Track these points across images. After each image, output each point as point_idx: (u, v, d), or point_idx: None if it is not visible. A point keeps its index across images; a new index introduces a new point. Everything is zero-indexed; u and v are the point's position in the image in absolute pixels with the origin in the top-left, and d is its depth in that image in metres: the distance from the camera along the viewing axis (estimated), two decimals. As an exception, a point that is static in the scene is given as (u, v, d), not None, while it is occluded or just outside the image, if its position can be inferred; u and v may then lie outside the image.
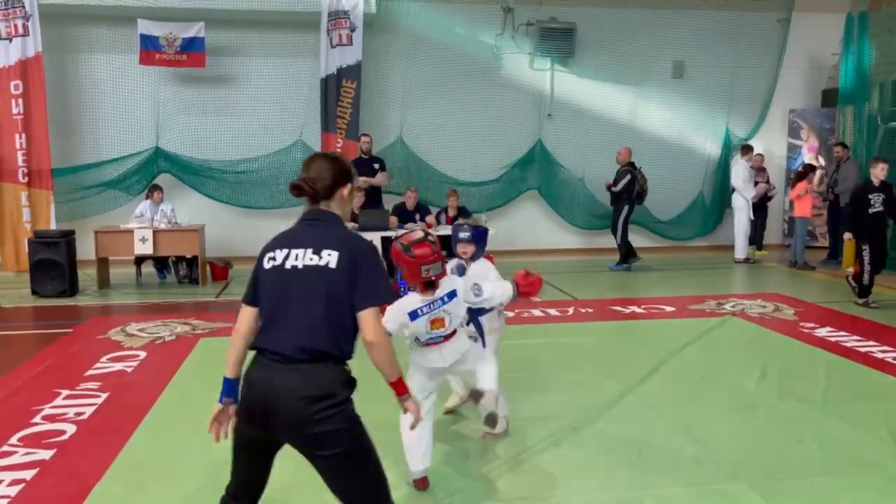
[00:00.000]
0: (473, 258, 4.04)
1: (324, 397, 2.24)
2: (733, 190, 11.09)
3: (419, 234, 3.30)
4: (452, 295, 3.34)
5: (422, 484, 3.48)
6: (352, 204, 2.53)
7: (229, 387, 2.43)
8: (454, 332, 3.44)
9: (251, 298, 2.42)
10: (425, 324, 3.32)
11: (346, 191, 2.47)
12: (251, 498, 2.49)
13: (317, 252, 2.31)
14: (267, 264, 2.38)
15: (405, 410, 2.52)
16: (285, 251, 2.36)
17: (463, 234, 4.04)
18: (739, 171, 10.94)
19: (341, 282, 2.28)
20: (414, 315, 3.29)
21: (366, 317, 2.29)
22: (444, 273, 3.32)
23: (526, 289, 3.78)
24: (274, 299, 2.34)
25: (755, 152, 11.35)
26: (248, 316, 2.42)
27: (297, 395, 2.23)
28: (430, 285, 3.28)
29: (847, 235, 8.08)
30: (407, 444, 3.44)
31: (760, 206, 11.40)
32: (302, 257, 2.32)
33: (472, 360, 3.58)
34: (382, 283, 2.36)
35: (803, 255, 10.41)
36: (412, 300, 3.30)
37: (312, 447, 2.26)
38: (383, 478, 2.39)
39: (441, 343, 3.44)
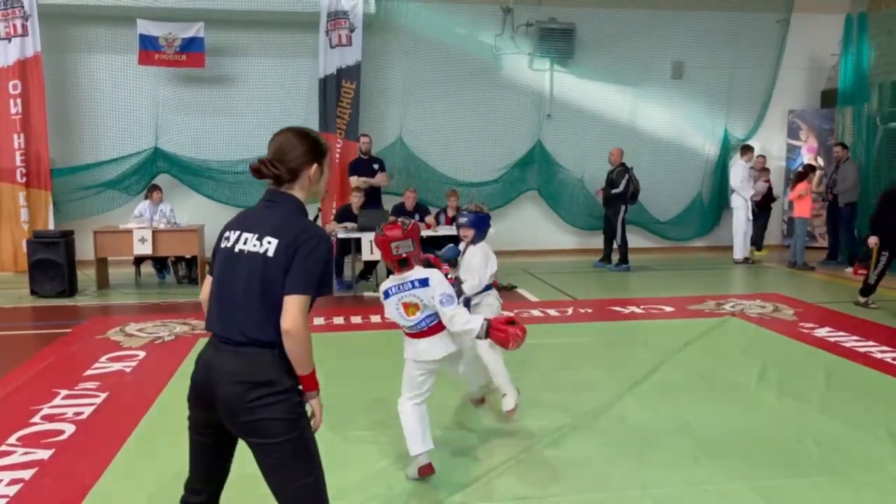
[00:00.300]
0: (474, 241, 4.32)
1: (263, 384, 2.18)
2: (732, 191, 11.10)
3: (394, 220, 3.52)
4: (424, 283, 3.39)
5: (427, 470, 3.50)
6: (322, 184, 2.42)
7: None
8: (442, 327, 3.46)
9: (210, 270, 2.42)
10: (396, 305, 3.43)
11: (311, 171, 2.35)
12: (210, 492, 2.42)
13: (259, 239, 2.25)
14: (222, 243, 2.36)
15: (310, 409, 2.34)
16: (237, 233, 2.32)
17: (462, 220, 4.36)
18: (738, 172, 10.96)
19: (278, 269, 2.20)
20: (386, 294, 3.46)
21: (288, 303, 2.19)
22: (416, 252, 3.42)
23: (499, 336, 3.39)
24: (220, 281, 2.31)
25: (756, 154, 11.36)
26: (207, 286, 2.42)
27: (235, 379, 2.18)
28: (404, 264, 3.41)
29: (872, 240, 7.60)
30: (408, 429, 3.52)
31: (764, 207, 11.40)
32: (248, 242, 2.27)
33: (466, 365, 3.61)
34: (314, 273, 2.22)
35: (803, 256, 10.41)
36: (388, 280, 3.47)
37: (248, 435, 2.21)
38: (320, 480, 2.29)
39: (426, 334, 3.47)
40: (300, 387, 2.27)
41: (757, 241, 11.63)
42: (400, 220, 3.49)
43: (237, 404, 2.18)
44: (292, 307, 2.18)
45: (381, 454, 3.87)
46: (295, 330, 2.18)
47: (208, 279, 2.42)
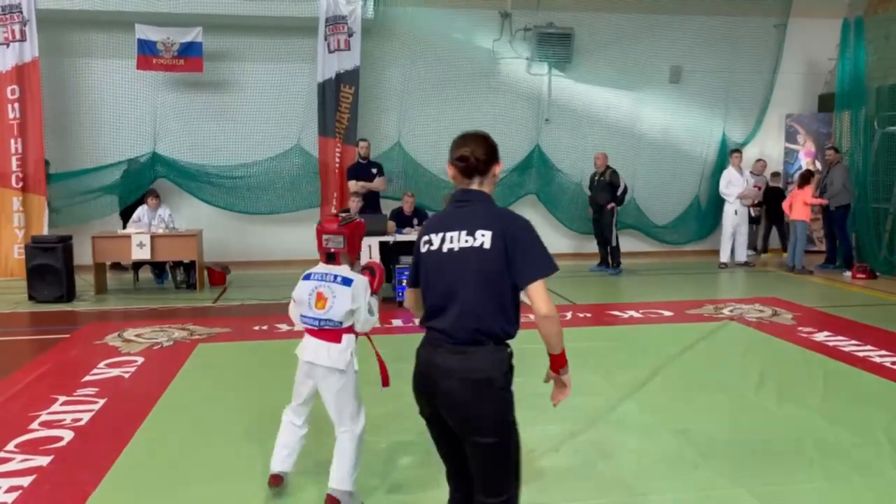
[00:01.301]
0: None
1: (483, 382, 2.27)
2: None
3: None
4: (346, 282, 3.25)
5: (273, 482, 3.44)
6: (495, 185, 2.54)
7: None
8: (338, 338, 3.27)
9: (412, 280, 2.50)
10: (311, 291, 3.28)
11: (497, 169, 2.48)
12: (460, 476, 2.47)
13: (471, 233, 2.32)
14: (423, 248, 2.42)
15: (557, 384, 2.62)
16: (440, 234, 2.37)
17: None
18: (724, 175, 11.06)
19: (497, 260, 2.28)
20: (307, 276, 3.36)
21: (535, 290, 2.30)
22: (347, 250, 3.32)
23: (377, 288, 3.41)
24: (434, 283, 2.37)
25: (756, 158, 11.37)
26: (412, 296, 2.53)
27: (457, 376, 2.27)
28: (330, 258, 3.34)
29: None
30: (277, 443, 3.48)
31: (774, 211, 11.46)
32: (457, 239, 2.33)
33: (335, 401, 3.30)
34: (541, 254, 2.33)
35: (802, 260, 10.43)
36: (317, 266, 3.38)
37: (468, 431, 2.30)
38: (519, 471, 2.42)
39: (319, 336, 3.28)
40: (512, 387, 2.37)
41: (755, 245, 11.66)
42: (344, 215, 3.43)
43: (459, 401, 2.28)
44: (540, 292, 2.30)
45: (390, 453, 3.87)
46: (551, 312, 2.31)
47: (408, 291, 2.55)
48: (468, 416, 2.29)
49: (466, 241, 2.31)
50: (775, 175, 12.12)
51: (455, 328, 2.29)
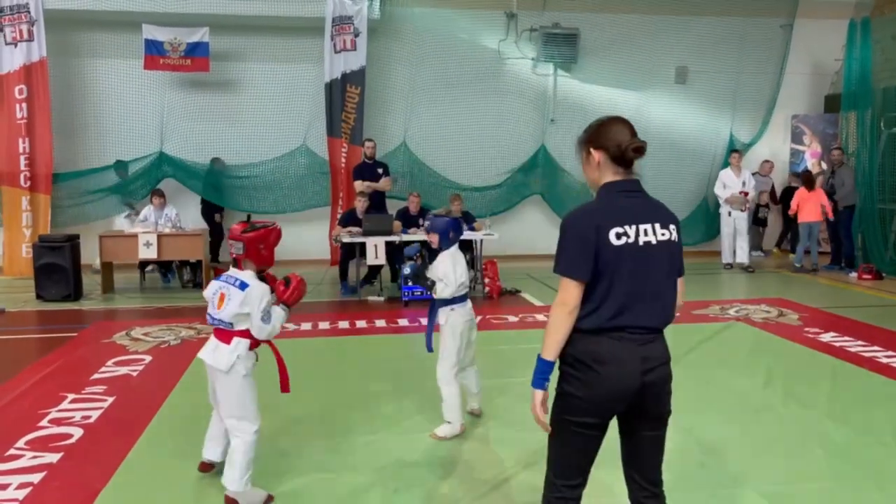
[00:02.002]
0: (441, 247, 4.23)
1: (669, 360, 2.37)
2: None
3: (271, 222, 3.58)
4: (243, 286, 3.31)
5: (202, 468, 3.68)
6: None
7: (550, 370, 2.34)
8: (228, 339, 3.35)
9: (584, 274, 2.23)
10: (214, 290, 3.40)
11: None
12: (585, 481, 2.50)
13: (664, 226, 2.33)
14: (617, 241, 2.22)
15: None
16: (633, 227, 2.26)
17: (426, 224, 4.49)
18: (720, 177, 11.09)
19: (680, 252, 2.39)
20: (217, 277, 3.46)
21: (682, 284, 2.42)
22: (244, 256, 3.37)
23: (288, 298, 3.49)
24: (634, 276, 2.24)
25: (764, 160, 11.29)
26: (579, 292, 2.25)
27: (664, 359, 2.34)
28: (236, 263, 3.44)
29: None
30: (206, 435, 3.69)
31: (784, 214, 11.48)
32: (652, 232, 2.29)
33: (222, 402, 3.43)
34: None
35: (817, 260, 10.45)
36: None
37: (664, 409, 2.38)
38: None
39: (216, 334, 3.42)
40: None
41: (760, 246, 11.67)
42: (252, 222, 3.48)
43: (666, 386, 2.35)
44: (683, 285, 2.43)
45: (388, 451, 3.88)
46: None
47: (577, 286, 2.23)
48: (668, 399, 2.39)
49: (663, 235, 2.31)
50: (794, 175, 11.98)
51: (660, 320, 2.32)
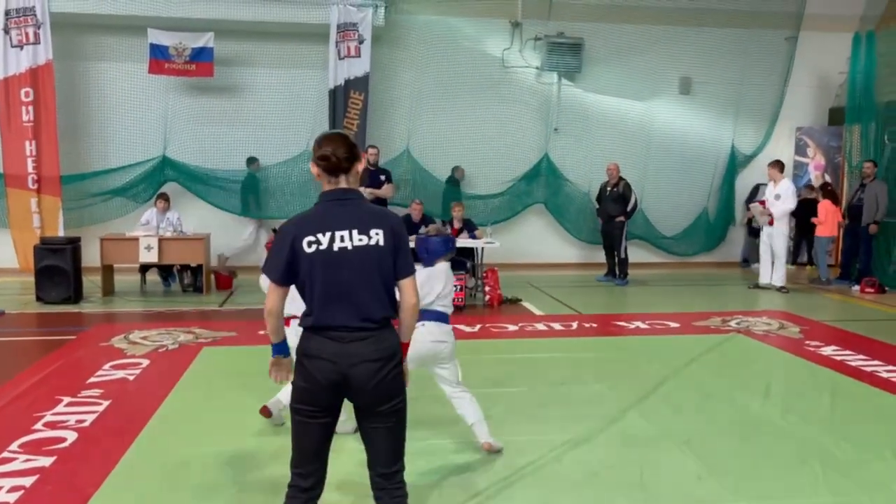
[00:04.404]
0: (425, 263, 4.05)
1: (391, 357, 2.54)
2: None
3: None
4: None
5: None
6: (359, 182, 2.71)
7: (285, 346, 2.70)
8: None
9: (284, 279, 2.53)
10: None
11: (360, 167, 2.64)
12: (319, 476, 2.61)
13: (363, 232, 2.51)
14: (309, 248, 2.48)
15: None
16: (328, 234, 2.49)
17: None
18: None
19: (389, 255, 2.54)
20: None
21: (408, 284, 2.61)
22: None
23: None
24: (327, 281, 2.49)
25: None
26: (281, 295, 2.58)
27: (371, 358, 2.48)
28: None
29: None
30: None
31: (806, 223, 10.81)
32: (349, 238, 2.49)
33: None
34: (410, 254, 2.65)
35: (827, 273, 10.39)
36: None
37: (383, 402, 2.52)
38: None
39: None
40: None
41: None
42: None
43: (377, 379, 2.51)
44: (413, 286, 2.62)
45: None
46: (417, 304, 2.65)
47: (277, 290, 2.56)
48: (382, 395, 2.58)
49: (361, 240, 2.51)
50: (809, 188, 11.69)
51: (359, 318, 2.53)
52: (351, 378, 2.48)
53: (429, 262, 4.05)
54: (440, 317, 3.94)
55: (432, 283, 3.95)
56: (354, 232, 2.50)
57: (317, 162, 2.56)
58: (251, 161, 10.83)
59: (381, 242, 2.52)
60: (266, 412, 4.34)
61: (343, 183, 2.58)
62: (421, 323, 3.99)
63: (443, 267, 4.05)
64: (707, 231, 12.32)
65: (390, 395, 2.54)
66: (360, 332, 2.49)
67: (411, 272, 2.62)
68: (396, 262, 2.56)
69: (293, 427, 2.58)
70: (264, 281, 3.57)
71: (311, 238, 2.48)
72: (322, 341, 2.50)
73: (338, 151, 2.54)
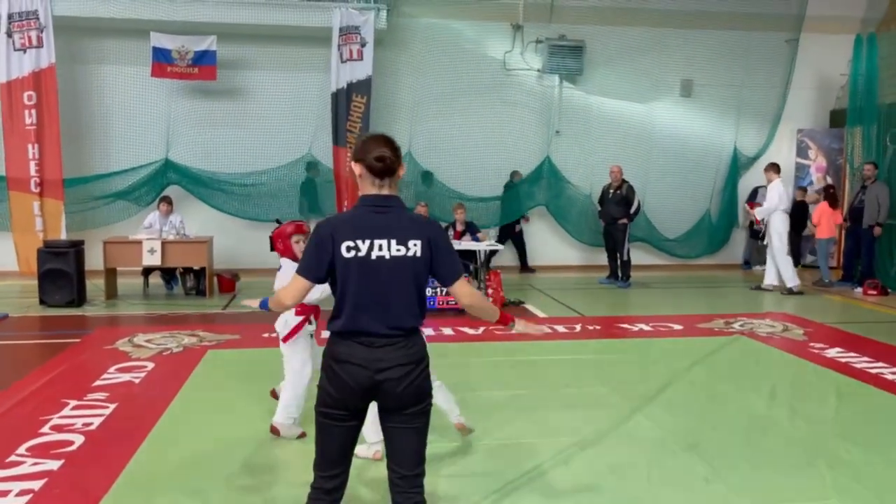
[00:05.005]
0: None
1: (419, 361, 2.55)
2: None
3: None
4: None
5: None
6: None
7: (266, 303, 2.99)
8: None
9: (322, 280, 2.55)
10: None
11: (402, 172, 2.61)
12: (344, 481, 2.62)
13: (402, 243, 2.50)
14: (347, 254, 2.48)
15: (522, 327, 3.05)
16: (367, 242, 2.48)
17: None
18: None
19: (425, 266, 2.54)
20: None
21: (458, 287, 2.63)
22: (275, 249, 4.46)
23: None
24: (361, 288, 2.49)
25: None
26: (305, 292, 2.58)
27: (401, 362, 2.50)
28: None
29: None
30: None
31: (800, 226, 11.12)
32: (387, 248, 2.49)
33: None
34: (458, 256, 2.68)
35: (828, 275, 10.40)
36: None
37: (411, 404, 2.53)
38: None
39: None
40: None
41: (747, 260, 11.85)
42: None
43: (401, 386, 2.52)
44: (465, 287, 2.66)
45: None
46: (473, 302, 2.71)
47: (303, 282, 2.54)
48: (411, 397, 2.59)
49: (399, 251, 2.50)
50: (801, 189, 11.81)
51: (388, 326, 2.55)
52: (382, 382, 2.48)
53: None
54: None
55: None
56: (393, 242, 2.49)
57: (371, 163, 2.50)
58: (311, 167, 11.05)
59: (419, 254, 2.51)
60: (276, 431, 4.27)
61: (386, 188, 2.55)
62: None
63: None
64: (710, 233, 12.33)
65: (419, 397, 2.55)
66: (389, 339, 2.50)
67: (458, 276, 2.62)
68: (440, 270, 2.57)
69: (318, 430, 2.58)
70: (283, 281, 3.64)
71: (350, 243, 2.47)
72: (352, 345, 2.50)
73: (391, 154, 2.52)
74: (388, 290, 2.49)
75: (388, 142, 2.57)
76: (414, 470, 2.60)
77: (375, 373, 2.48)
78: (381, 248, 2.48)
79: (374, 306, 2.48)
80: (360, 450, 3.82)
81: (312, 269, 2.52)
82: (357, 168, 2.54)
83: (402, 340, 2.52)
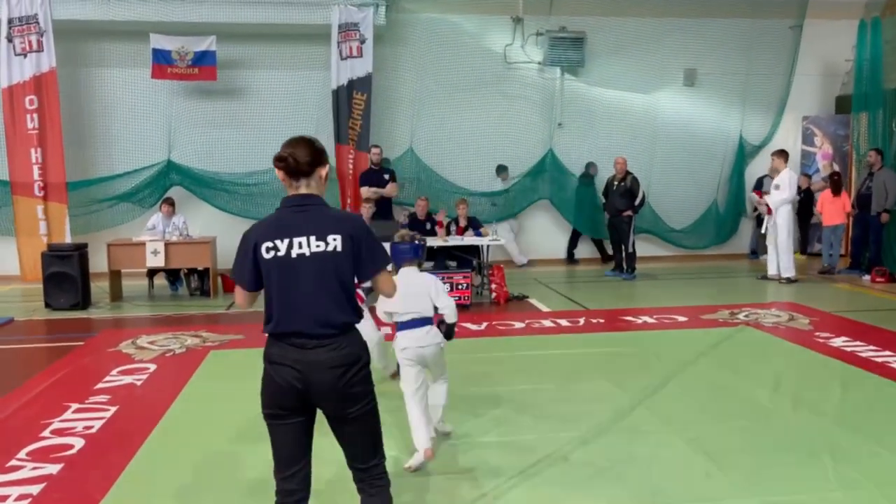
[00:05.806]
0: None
1: (353, 363, 2.51)
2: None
3: None
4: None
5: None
6: (325, 187, 2.70)
7: None
8: None
9: (255, 285, 2.56)
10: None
11: (324, 171, 2.63)
12: (303, 480, 2.60)
13: (321, 238, 2.49)
14: (267, 255, 2.49)
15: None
16: (286, 241, 2.48)
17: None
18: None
19: (347, 260, 2.52)
20: None
21: (380, 279, 2.65)
22: None
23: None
24: (285, 288, 2.49)
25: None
26: (251, 299, 2.62)
27: (332, 364, 2.46)
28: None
29: None
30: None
31: (805, 213, 11.23)
32: (307, 245, 2.48)
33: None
34: (382, 249, 2.66)
35: (831, 261, 10.34)
36: None
37: (348, 407, 2.50)
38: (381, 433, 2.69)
39: None
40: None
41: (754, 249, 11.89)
42: None
43: (336, 390, 2.50)
44: (384, 280, 2.67)
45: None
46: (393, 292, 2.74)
47: (245, 293, 2.60)
48: (344, 401, 2.57)
49: (318, 246, 2.49)
50: (805, 176, 11.72)
51: (317, 325, 2.52)
52: (313, 385, 2.47)
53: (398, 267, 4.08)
54: (411, 325, 3.96)
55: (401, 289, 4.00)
56: (312, 238, 2.48)
57: (275, 164, 2.56)
58: (501, 171, 11.22)
59: (339, 248, 2.49)
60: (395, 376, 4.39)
61: (304, 188, 2.57)
62: (401, 332, 4.00)
63: (405, 271, 4.05)
64: (717, 223, 12.24)
65: (355, 400, 2.52)
66: (321, 339, 2.48)
67: (379, 267, 2.62)
68: (360, 264, 2.55)
69: (269, 432, 2.58)
70: None
71: (270, 244, 2.48)
72: (284, 347, 2.49)
73: (297, 154, 2.53)
74: (313, 287, 2.47)
75: (300, 143, 2.58)
76: (370, 462, 2.62)
77: (307, 376, 2.46)
78: (300, 245, 2.47)
79: (301, 305, 2.47)
80: (414, 462, 3.80)
81: (242, 275, 2.55)
82: (277, 172, 2.60)
83: (335, 340, 2.49)
